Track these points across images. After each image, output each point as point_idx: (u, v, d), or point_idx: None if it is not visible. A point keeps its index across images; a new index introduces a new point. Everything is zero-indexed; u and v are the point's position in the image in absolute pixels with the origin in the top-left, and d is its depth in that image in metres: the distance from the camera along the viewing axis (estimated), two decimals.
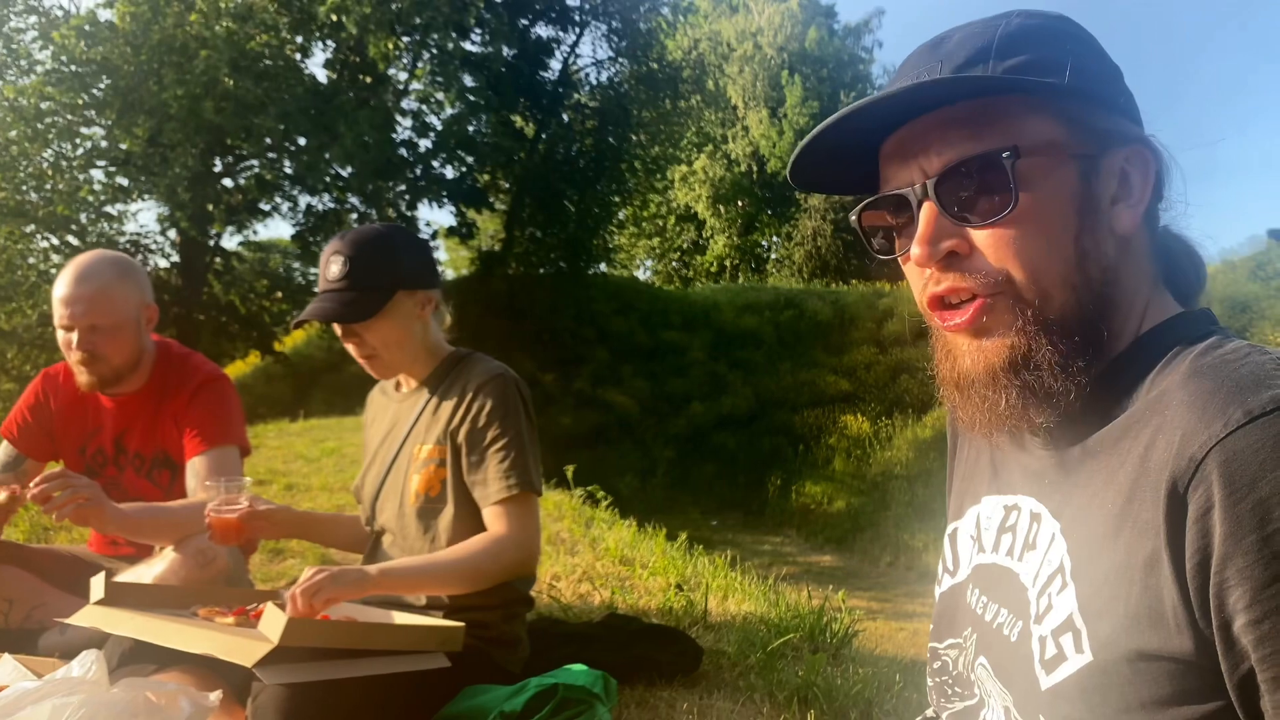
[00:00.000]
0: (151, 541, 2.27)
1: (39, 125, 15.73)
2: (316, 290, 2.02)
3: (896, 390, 20.49)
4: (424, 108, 20.68)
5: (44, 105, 15.59)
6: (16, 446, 2.54)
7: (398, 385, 2.17)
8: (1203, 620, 0.69)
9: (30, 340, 15.55)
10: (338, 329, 1.98)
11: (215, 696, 1.65)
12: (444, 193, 21.21)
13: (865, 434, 19.44)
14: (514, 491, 1.86)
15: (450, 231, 24.21)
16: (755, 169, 32.54)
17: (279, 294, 20.54)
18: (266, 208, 19.45)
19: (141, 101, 15.12)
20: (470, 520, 1.92)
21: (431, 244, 21.03)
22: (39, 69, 15.83)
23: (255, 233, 20.52)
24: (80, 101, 15.58)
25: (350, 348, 1.97)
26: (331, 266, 1.93)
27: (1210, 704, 0.70)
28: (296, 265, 21.87)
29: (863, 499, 17.92)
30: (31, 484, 2.00)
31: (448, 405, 1.97)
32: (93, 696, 1.50)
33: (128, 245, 17.42)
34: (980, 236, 0.83)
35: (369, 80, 19.20)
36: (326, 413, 12.17)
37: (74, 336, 2.36)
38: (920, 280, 0.89)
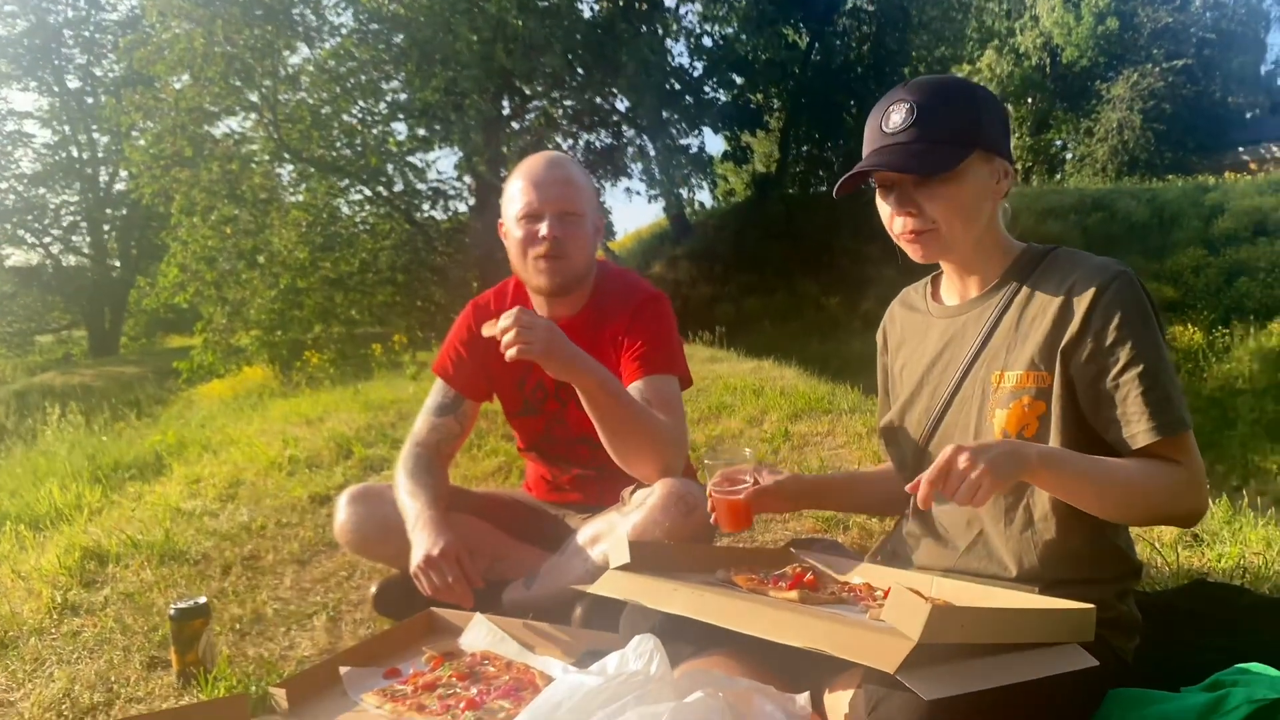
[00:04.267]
0: (603, 417, 1.96)
1: (347, 84, 16.71)
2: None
3: (1233, 295, 18.22)
4: (702, 27, 20.31)
5: (350, 65, 16.52)
6: (452, 385, 2.32)
7: (934, 293, 1.72)
8: None
9: (353, 286, 16.66)
10: (880, 199, 1.54)
11: (803, 701, 1.29)
12: (718, 117, 20.81)
13: (1197, 345, 17.50)
14: (1168, 433, 1.37)
15: (725, 157, 23.81)
16: (1047, 61, 29.70)
17: None
18: (549, 148, 19.85)
19: (436, 51, 15.63)
20: None
21: (706, 172, 20.78)
22: (343, 30, 16.78)
23: None
24: (383, 58, 16.36)
25: (901, 219, 1.51)
26: (892, 115, 1.49)
27: None
28: None
29: (1198, 417, 15.96)
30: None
31: (1042, 316, 1.47)
32: (679, 710, 1.17)
33: (429, 192, 18.31)
34: None
35: (643, 7, 18.96)
36: None
37: (542, 226, 2.10)
38: None
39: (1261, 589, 2.01)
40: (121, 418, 9.02)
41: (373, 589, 2.33)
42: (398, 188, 17.82)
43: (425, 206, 18.45)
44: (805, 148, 25.02)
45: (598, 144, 20.62)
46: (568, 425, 2.24)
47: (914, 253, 1.55)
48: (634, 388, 2.08)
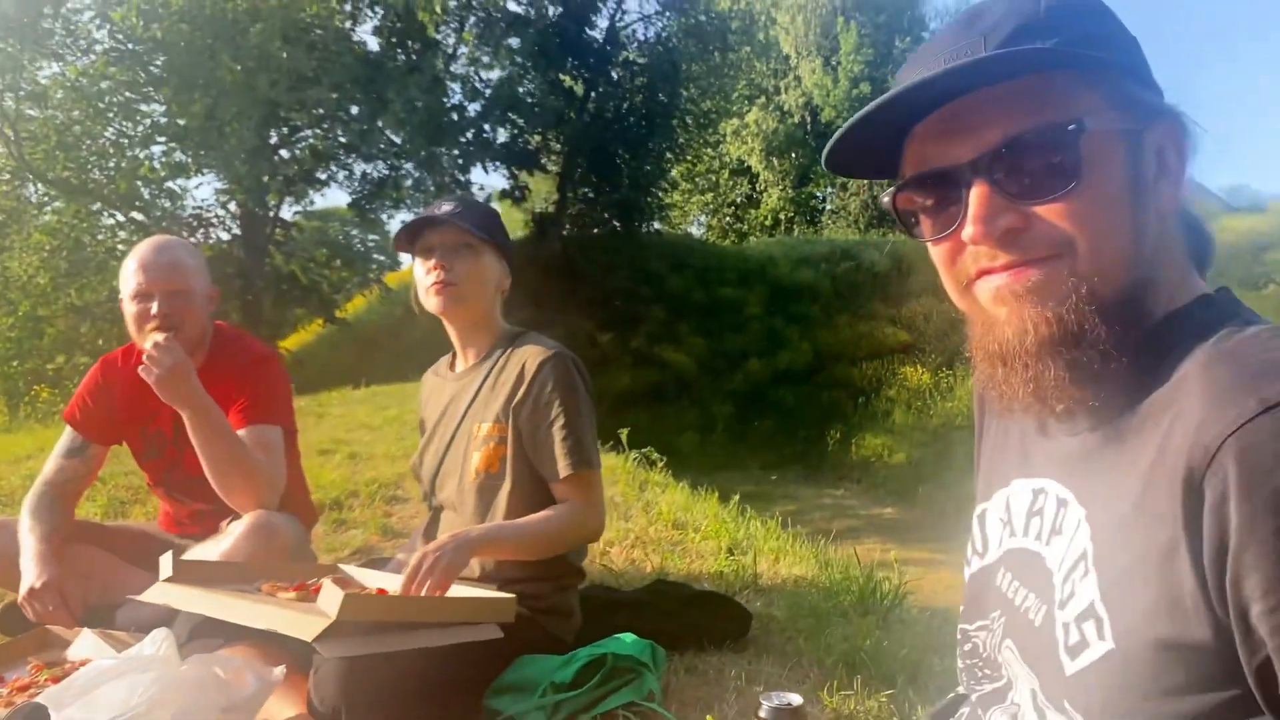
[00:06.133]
0: (205, 448, 2.29)
1: (100, 104, 16.05)
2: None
3: (956, 340, 19.69)
4: (473, 71, 20.70)
5: (104, 85, 15.90)
6: (80, 431, 2.63)
7: (452, 364, 2.24)
8: (1220, 608, 0.69)
9: (101, 315, 15.96)
10: (419, 262, 2.10)
11: (279, 671, 1.72)
12: (496, 157, 21.27)
13: (925, 385, 19.24)
14: (577, 470, 1.94)
15: (503, 195, 24.28)
16: (809, 120, 32.01)
17: (338, 261, 20.87)
18: (323, 177, 19.71)
19: (197, 77, 15.33)
20: (526, 496, 1.98)
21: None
22: (98, 48, 16.13)
23: (313, 202, 20.82)
24: (140, 79, 15.86)
25: (435, 272, 2.05)
26: (443, 205, 2.08)
27: (1229, 691, 0.70)
28: (355, 233, 22.16)
29: (924, 450, 17.74)
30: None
31: (506, 383, 2.03)
32: (165, 674, 1.58)
33: (190, 219, 17.81)
34: (1040, 211, 0.81)
35: (417, 46, 19.24)
36: (388, 379, 12.31)
37: (152, 304, 2.43)
38: (963, 261, 0.87)
39: (725, 589, 2.63)
40: None
41: None
42: (155, 214, 17.22)
43: (184, 234, 17.89)
44: (584, 190, 25.87)
45: (374, 174, 20.66)
46: (184, 467, 2.58)
47: (435, 301, 2.09)
48: (239, 434, 2.45)
